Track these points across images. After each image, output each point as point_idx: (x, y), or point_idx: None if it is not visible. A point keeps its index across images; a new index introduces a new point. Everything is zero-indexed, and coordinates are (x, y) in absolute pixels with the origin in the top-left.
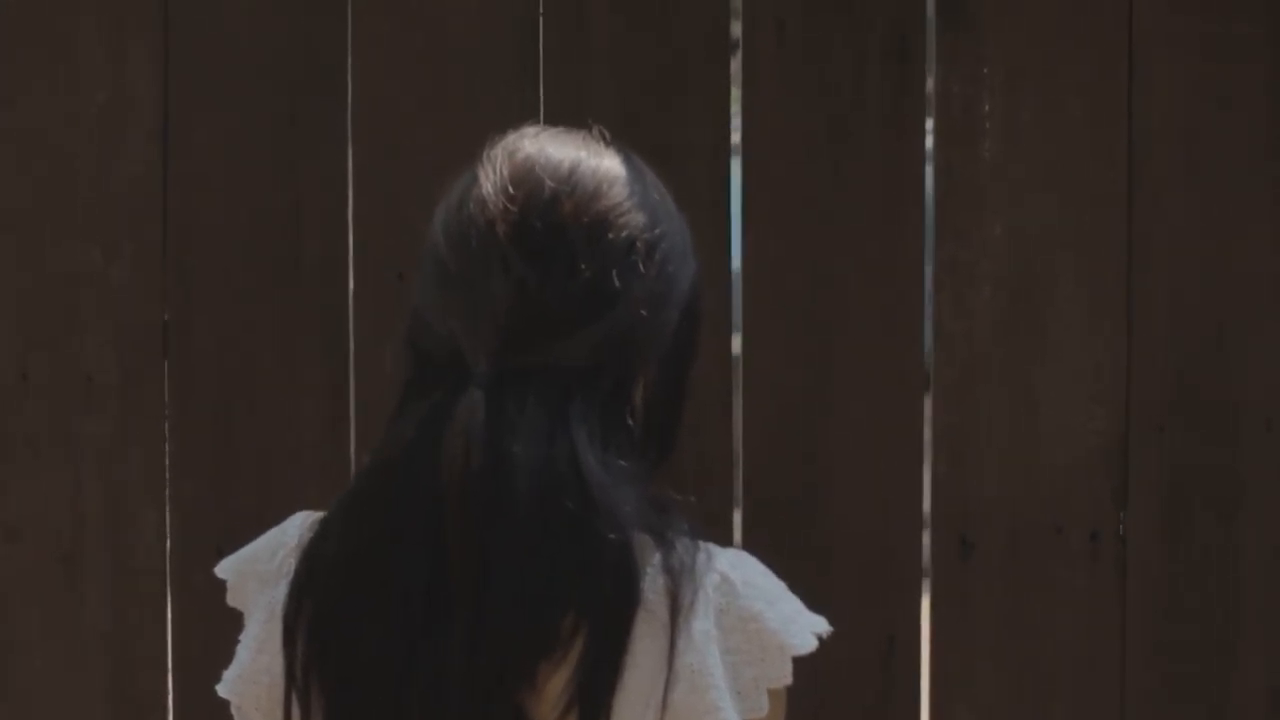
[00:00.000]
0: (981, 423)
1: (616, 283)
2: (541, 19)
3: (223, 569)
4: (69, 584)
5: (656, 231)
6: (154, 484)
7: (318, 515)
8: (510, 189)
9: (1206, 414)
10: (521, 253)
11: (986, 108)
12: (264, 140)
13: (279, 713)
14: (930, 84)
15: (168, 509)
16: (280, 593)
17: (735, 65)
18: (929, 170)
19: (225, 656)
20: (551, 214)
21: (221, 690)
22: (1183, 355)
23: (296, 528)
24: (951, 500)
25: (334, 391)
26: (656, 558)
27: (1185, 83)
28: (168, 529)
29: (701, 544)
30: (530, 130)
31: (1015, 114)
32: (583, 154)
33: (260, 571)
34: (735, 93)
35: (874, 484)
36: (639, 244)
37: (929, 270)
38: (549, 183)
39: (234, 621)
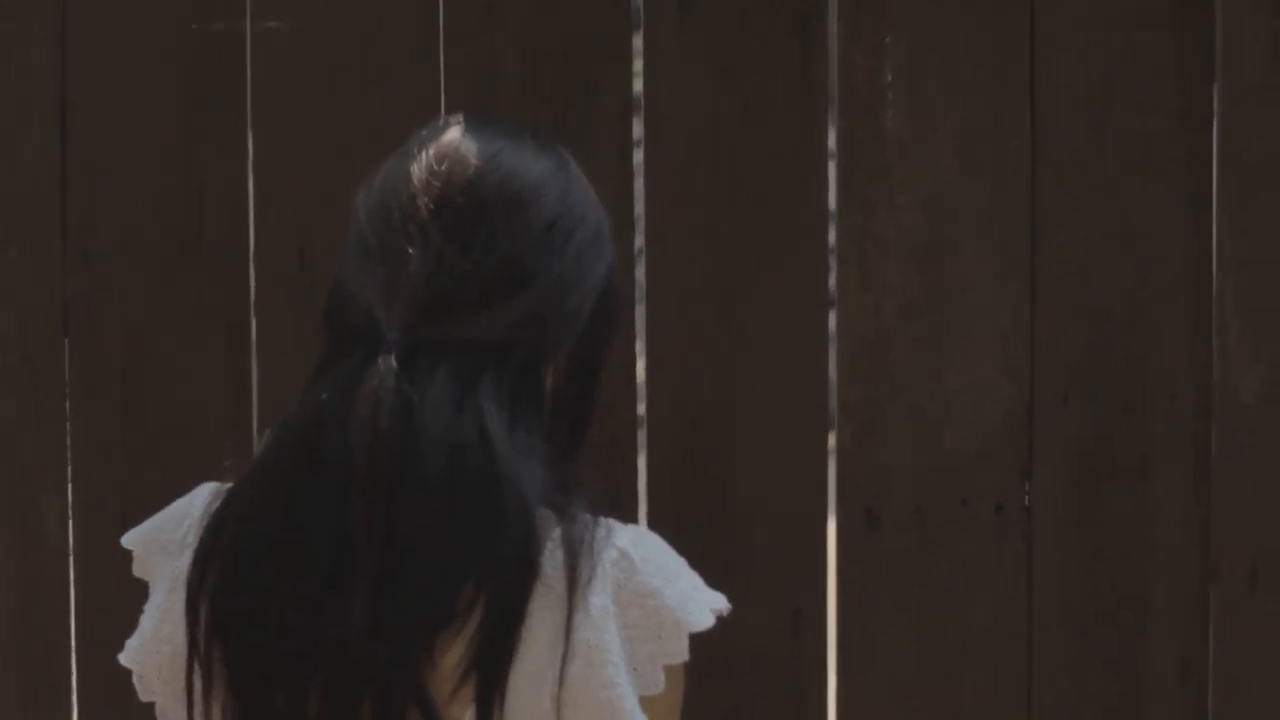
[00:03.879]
0: (887, 394)
1: (533, 262)
2: None
3: (129, 539)
4: None
5: (575, 217)
6: (57, 466)
7: (225, 486)
8: (434, 165)
9: (1112, 386)
10: (441, 226)
11: (889, 78)
12: (164, 120)
13: (181, 681)
14: (834, 54)
15: (70, 490)
16: (184, 562)
17: (637, 42)
18: (832, 140)
19: (130, 635)
20: (473, 191)
21: (123, 659)
22: (1088, 327)
23: (203, 498)
24: (857, 472)
25: (237, 370)
26: (556, 532)
27: (1090, 50)
28: (70, 511)
29: (602, 520)
30: (458, 117)
31: (918, 84)
32: (509, 140)
33: (164, 541)
34: (637, 66)
35: (779, 456)
36: (558, 226)
37: (834, 241)
38: (474, 161)
39: (139, 599)
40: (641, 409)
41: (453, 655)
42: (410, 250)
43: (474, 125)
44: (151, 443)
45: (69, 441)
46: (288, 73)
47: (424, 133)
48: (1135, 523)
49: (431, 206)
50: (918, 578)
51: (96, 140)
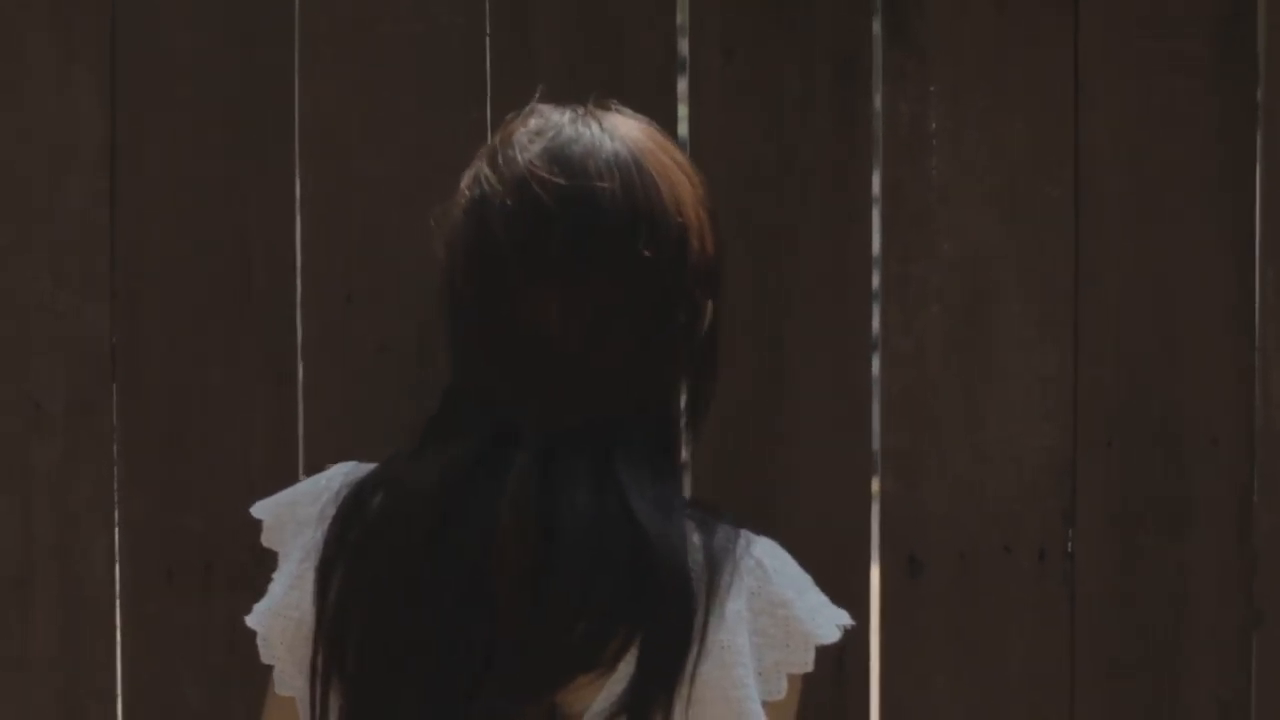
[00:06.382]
0: (929, 441)
1: (655, 330)
2: (488, 41)
3: (260, 509)
4: (19, 610)
5: (692, 246)
6: (104, 509)
7: (365, 469)
8: (539, 239)
9: (1153, 431)
10: (561, 307)
11: (933, 126)
12: (212, 164)
13: (302, 650)
14: (877, 103)
15: (117, 534)
16: (318, 537)
17: (682, 86)
18: (876, 188)
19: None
20: (586, 268)
21: (250, 621)
22: (1130, 373)
23: (341, 476)
24: (900, 519)
25: (283, 414)
26: (696, 538)
27: (1131, 100)
28: (117, 554)
29: (741, 531)
30: (540, 140)
31: (962, 132)
32: (607, 186)
33: (300, 515)
34: (682, 111)
35: (822, 502)
36: (669, 279)
37: (877, 288)
38: (590, 240)
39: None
40: (685, 454)
41: (595, 689)
42: (524, 329)
43: (567, 160)
44: (199, 486)
45: (116, 486)
46: (334, 117)
47: (516, 169)
48: (1178, 567)
49: (549, 292)
50: (961, 624)
51: (145, 185)
